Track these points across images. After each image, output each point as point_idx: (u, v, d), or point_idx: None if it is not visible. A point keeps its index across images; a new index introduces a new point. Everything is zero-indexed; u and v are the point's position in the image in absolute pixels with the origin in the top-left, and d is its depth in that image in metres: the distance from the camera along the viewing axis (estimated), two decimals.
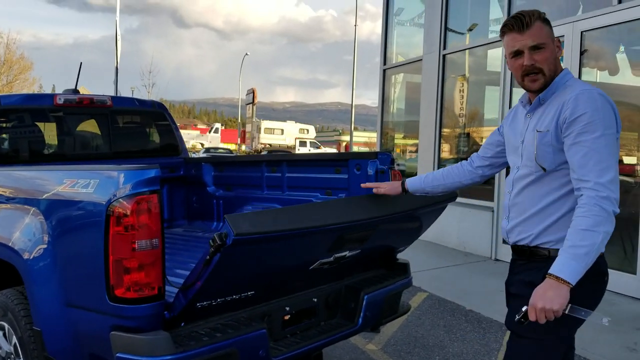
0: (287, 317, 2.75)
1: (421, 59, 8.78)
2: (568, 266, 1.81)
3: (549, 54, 2.03)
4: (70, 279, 2.42)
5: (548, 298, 1.80)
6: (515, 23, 2.03)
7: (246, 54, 58.07)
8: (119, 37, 29.15)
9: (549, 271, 1.83)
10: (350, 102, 31.72)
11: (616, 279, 5.42)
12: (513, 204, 2.15)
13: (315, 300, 2.89)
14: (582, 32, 5.93)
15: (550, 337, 1.99)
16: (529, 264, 1.94)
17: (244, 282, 2.41)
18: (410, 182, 2.67)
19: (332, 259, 2.64)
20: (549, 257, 1.98)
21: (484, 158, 2.49)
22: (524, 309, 1.86)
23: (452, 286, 5.86)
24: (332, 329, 2.89)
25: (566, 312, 1.80)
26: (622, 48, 6.13)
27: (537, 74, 2.04)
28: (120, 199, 2.17)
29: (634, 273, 5.27)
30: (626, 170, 5.92)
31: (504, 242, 6.82)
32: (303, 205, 2.52)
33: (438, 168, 8.30)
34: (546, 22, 2.05)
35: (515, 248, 2.17)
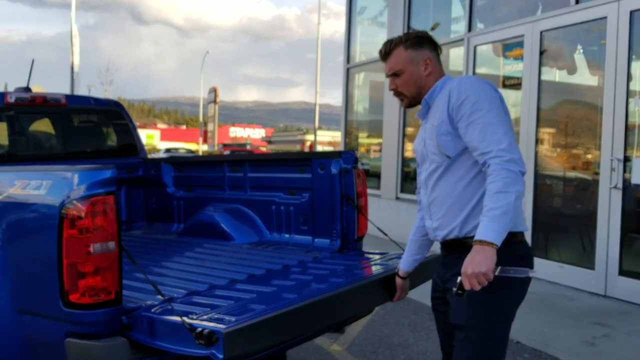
0: None
1: None
2: (489, 229, 1.88)
3: (407, 78, 2.20)
4: (22, 284, 2.31)
5: (476, 262, 1.86)
6: (380, 52, 2.26)
7: (207, 51, 57.42)
8: (74, 34, 28.45)
9: (474, 238, 1.91)
10: (314, 101, 31.76)
11: (575, 275, 5.55)
12: (431, 201, 2.20)
13: None
14: (541, 32, 6.03)
15: (493, 332, 2.06)
16: (463, 255, 1.94)
17: None
18: (403, 266, 2.53)
19: None
20: None
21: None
22: (458, 280, 1.92)
23: None
24: None
25: (496, 273, 1.87)
26: (580, 48, 6.26)
27: (401, 95, 2.24)
28: (74, 201, 2.08)
29: (592, 269, 5.39)
30: (584, 167, 6.06)
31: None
32: (309, 304, 2.24)
33: (402, 167, 8.36)
34: (411, 45, 2.19)
35: (446, 244, 2.19)
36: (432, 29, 8.32)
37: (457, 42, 7.50)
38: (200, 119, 57.97)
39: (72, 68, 28.03)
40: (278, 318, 2.06)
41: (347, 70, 9.99)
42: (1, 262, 2.34)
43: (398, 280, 2.53)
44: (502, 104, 2.06)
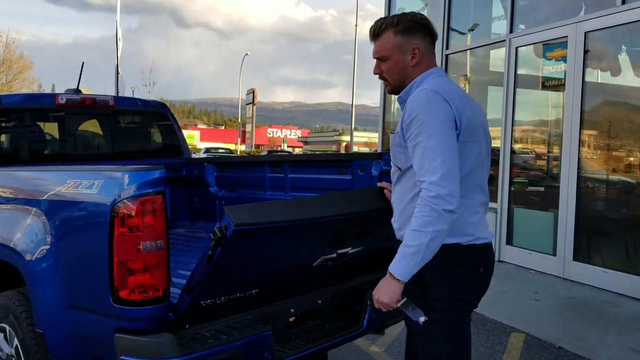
0: (291, 319, 2.72)
1: None
2: (399, 264, 1.93)
3: (391, 65, 2.10)
4: (73, 280, 2.39)
5: (382, 291, 1.97)
6: (370, 30, 2.16)
7: (246, 53, 58.04)
8: (119, 37, 29.14)
9: (388, 267, 1.96)
10: (351, 102, 31.71)
11: (619, 280, 5.41)
12: (392, 200, 2.23)
13: (320, 302, 2.86)
14: (585, 33, 5.91)
15: (431, 331, 2.04)
16: None
17: (248, 279, 2.38)
18: None
19: (335, 255, 2.62)
20: None
21: None
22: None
23: None
24: (336, 331, 2.86)
25: (398, 305, 1.97)
26: (624, 49, 6.10)
27: (385, 80, 2.18)
28: (125, 200, 2.15)
29: (638, 274, 5.25)
30: (628, 169, 5.91)
31: (507, 243, 6.83)
32: (303, 198, 2.51)
33: None
34: (401, 31, 2.07)
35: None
36: (471, 29, 8.23)
37: (497, 43, 7.40)
38: (239, 120, 58.63)
39: (117, 70, 28.75)
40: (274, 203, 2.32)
41: None
42: (53, 259, 2.43)
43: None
44: (458, 123, 1.94)
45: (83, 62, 4.72)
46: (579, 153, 5.95)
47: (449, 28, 8.30)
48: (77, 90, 4.34)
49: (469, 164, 1.99)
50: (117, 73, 28.60)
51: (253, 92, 54.70)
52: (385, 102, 10.07)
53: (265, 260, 2.39)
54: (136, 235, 2.13)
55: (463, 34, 8.33)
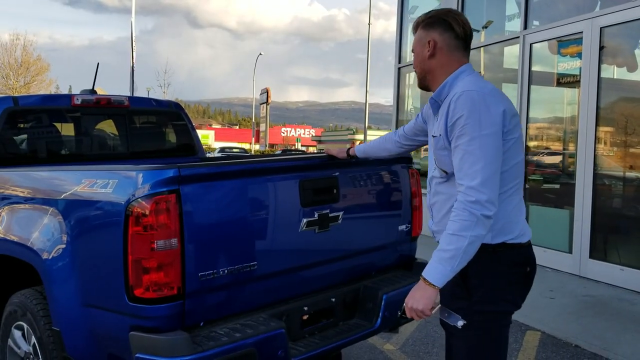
0: (305, 317, 2.73)
1: None
2: (434, 269, 1.89)
3: (414, 59, 2.17)
4: (89, 279, 2.42)
5: (415, 298, 1.92)
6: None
7: (260, 53, 58.17)
8: (134, 38, 29.37)
9: (422, 272, 1.93)
10: (364, 101, 31.67)
11: (637, 278, 5.35)
12: (432, 203, 2.19)
13: (334, 300, 2.87)
14: (601, 28, 5.84)
15: (471, 334, 2.00)
16: None
17: (233, 243, 2.39)
18: (356, 148, 2.86)
19: (316, 217, 2.68)
20: None
21: (405, 136, 2.64)
22: (403, 305, 1.98)
23: None
24: (350, 329, 2.87)
25: (433, 312, 1.92)
26: None
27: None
28: (139, 199, 2.17)
29: None
30: None
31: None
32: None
33: None
34: (424, 25, 2.11)
35: None
36: (485, 27, 8.18)
37: (512, 39, 7.35)
38: (253, 119, 58.83)
39: (132, 71, 28.98)
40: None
41: (398, 70, 9.93)
42: (69, 257, 2.47)
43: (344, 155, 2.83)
44: (504, 126, 1.92)
45: (98, 64, 4.76)
46: (594, 150, 5.89)
47: None
48: (93, 91, 4.38)
49: (515, 160, 1.98)
50: (132, 74, 28.89)
51: (267, 92, 54.79)
52: (398, 101, 10.05)
53: (239, 220, 2.42)
54: (150, 233, 2.15)
55: (477, 31, 8.27)
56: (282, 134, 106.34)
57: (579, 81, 6.12)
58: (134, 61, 28.93)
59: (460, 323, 1.94)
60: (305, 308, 2.71)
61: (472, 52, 7.07)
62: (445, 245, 1.88)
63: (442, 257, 1.87)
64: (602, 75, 5.96)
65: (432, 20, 2.09)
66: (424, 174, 8.64)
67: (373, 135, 58.89)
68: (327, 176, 2.83)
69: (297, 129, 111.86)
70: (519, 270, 2.02)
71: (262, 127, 56.51)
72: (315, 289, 2.81)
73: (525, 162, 6.58)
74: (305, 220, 2.66)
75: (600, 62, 5.87)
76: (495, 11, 8.18)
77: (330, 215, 2.79)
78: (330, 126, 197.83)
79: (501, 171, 1.92)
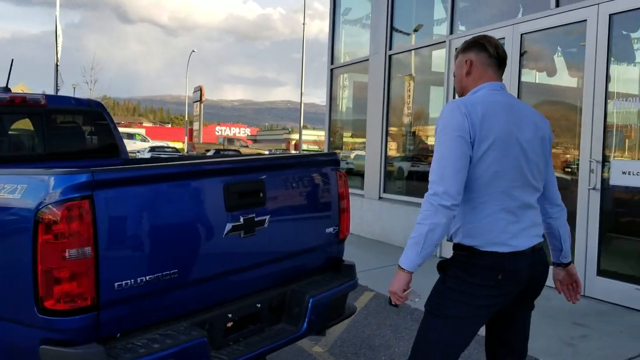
0: (229, 325, 2.68)
1: (368, 59, 8.83)
2: (404, 255, 2.14)
3: (455, 79, 2.41)
4: None
5: (392, 282, 2.15)
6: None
7: (193, 50, 57.17)
8: (59, 32, 28.13)
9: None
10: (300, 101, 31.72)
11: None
12: None
13: (259, 305, 2.83)
14: (521, 35, 6.08)
15: (436, 318, 2.23)
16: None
17: (152, 251, 2.31)
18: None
19: (242, 222, 2.64)
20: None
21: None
22: None
23: None
24: (276, 334, 2.84)
25: (406, 294, 2.13)
26: (559, 50, 6.33)
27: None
28: (50, 205, 2.05)
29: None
30: (563, 167, 6.13)
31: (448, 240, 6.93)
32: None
33: (385, 166, 8.39)
34: (462, 50, 2.37)
35: None
36: (416, 30, 8.35)
37: (439, 44, 7.53)
38: (186, 117, 57.69)
39: (56, 67, 27.73)
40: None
41: (331, 70, 9.99)
42: None
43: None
44: (471, 131, 2.09)
45: (12, 60, 4.51)
46: None
47: (392, 29, 8.39)
48: (7, 89, 4.14)
49: (490, 172, 2.12)
50: (57, 70, 27.65)
51: (200, 90, 53.95)
52: (331, 101, 10.11)
53: (161, 227, 2.35)
54: (61, 242, 2.04)
55: (408, 34, 8.44)
56: (216, 132, 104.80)
57: None
58: (58, 57, 27.73)
59: (417, 299, 2.18)
60: (230, 315, 2.65)
61: (404, 55, 7.18)
62: (412, 233, 2.11)
63: (409, 244, 2.11)
64: (524, 79, 6.21)
65: (468, 45, 2.34)
66: (357, 173, 8.71)
67: (309, 134, 59.11)
68: (253, 179, 2.79)
69: (232, 128, 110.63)
70: (489, 274, 2.15)
71: (196, 125, 55.57)
72: (241, 294, 2.77)
73: None
74: (230, 224, 2.61)
75: (521, 66, 6.12)
76: (425, 15, 8.37)
77: (256, 219, 2.75)
78: (266, 125, 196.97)
79: (474, 177, 2.11)
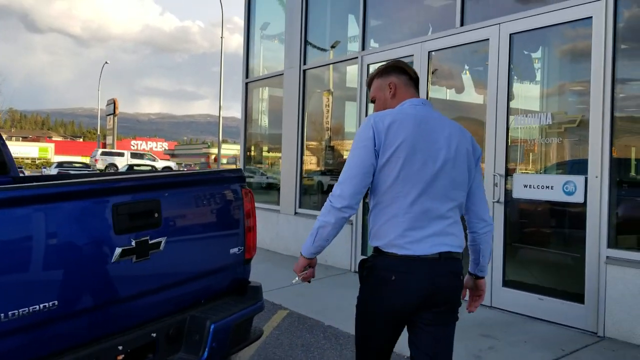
0: (120, 357, 2.47)
1: (282, 73, 8.77)
2: (304, 243, 2.37)
3: (377, 103, 2.52)
4: None
5: (295, 264, 2.43)
6: (366, 82, 2.64)
7: (106, 62, 55.22)
8: None
9: None
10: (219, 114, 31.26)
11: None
12: None
13: (155, 335, 2.64)
14: (429, 52, 6.23)
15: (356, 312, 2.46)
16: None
17: (26, 281, 2.09)
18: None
19: (133, 245, 2.47)
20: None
21: None
22: None
23: (313, 302, 5.83)
24: None
25: (303, 274, 2.42)
26: (466, 68, 6.54)
27: None
28: None
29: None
30: None
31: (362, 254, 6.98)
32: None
33: (300, 181, 8.32)
34: (380, 74, 2.51)
35: None
36: (333, 47, 8.39)
37: (352, 59, 7.59)
38: (98, 131, 55.44)
39: None
40: None
41: (246, 84, 9.86)
42: None
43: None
44: (376, 141, 2.22)
45: None
46: None
47: (306, 44, 8.39)
48: None
49: (392, 177, 2.22)
50: None
51: (114, 102, 52.01)
52: (246, 115, 9.96)
53: (38, 253, 2.14)
54: None
55: (322, 49, 8.47)
56: (132, 147, 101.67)
57: None
58: None
59: (292, 281, 2.47)
60: (120, 347, 2.45)
61: (321, 70, 7.16)
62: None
63: (308, 234, 2.33)
64: (433, 95, 6.36)
65: (387, 69, 2.49)
66: (277, 188, 8.50)
67: (228, 149, 58.38)
68: (147, 199, 2.61)
69: (149, 142, 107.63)
70: (385, 275, 2.24)
71: (109, 139, 53.46)
72: (134, 324, 2.57)
73: None
74: (119, 249, 2.42)
75: (428, 83, 6.26)
76: (338, 31, 8.43)
77: (150, 242, 2.57)
78: (185, 139, 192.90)
79: (380, 182, 2.24)
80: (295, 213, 8.29)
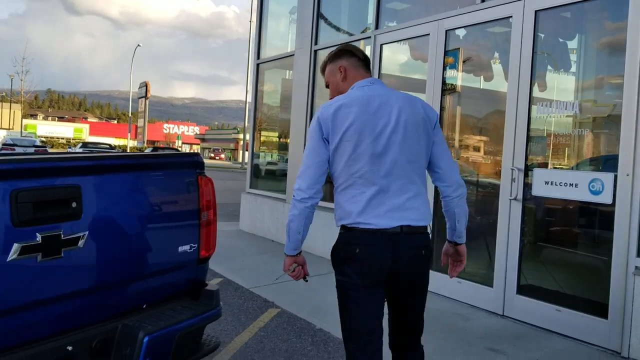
0: None
1: (293, 54, 8.28)
2: None
3: (331, 87, 2.56)
4: None
5: None
6: (320, 69, 2.67)
7: (138, 45, 55.44)
8: None
9: None
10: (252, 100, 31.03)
11: (473, 291, 5.17)
12: None
13: (71, 348, 2.20)
14: (446, 31, 5.64)
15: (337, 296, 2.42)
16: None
17: None
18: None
19: (39, 240, 2.03)
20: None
21: None
22: None
23: (309, 300, 5.36)
24: None
25: (291, 272, 2.51)
26: (487, 49, 5.92)
27: None
28: None
29: (491, 285, 5.02)
30: (486, 175, 5.72)
31: None
32: None
33: None
34: (331, 60, 2.55)
35: None
36: (342, 26, 7.86)
37: (365, 39, 7.04)
38: (129, 114, 55.85)
39: None
40: None
41: (257, 66, 9.40)
42: None
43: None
44: (324, 132, 2.31)
45: None
46: None
47: (318, 24, 7.88)
48: None
49: (344, 158, 2.29)
50: None
51: (146, 86, 52.08)
52: (257, 98, 9.54)
53: None
54: None
55: (334, 29, 7.94)
56: (164, 130, 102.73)
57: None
58: None
59: (275, 279, 2.51)
60: None
61: (329, 50, 6.68)
62: None
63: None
64: (449, 80, 5.78)
65: (336, 54, 2.54)
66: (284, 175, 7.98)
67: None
68: (61, 185, 2.15)
69: (181, 126, 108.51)
70: (348, 250, 2.30)
71: (141, 122, 53.80)
72: (41, 336, 2.13)
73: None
74: (17, 245, 1.97)
75: (445, 65, 5.67)
76: (351, 10, 7.92)
77: (64, 237, 2.12)
78: (216, 124, 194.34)
79: (335, 166, 2.32)
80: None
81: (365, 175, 2.27)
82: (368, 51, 6.74)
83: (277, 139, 9.70)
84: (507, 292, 4.87)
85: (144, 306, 2.56)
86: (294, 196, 2.32)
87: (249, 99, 9.61)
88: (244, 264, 6.79)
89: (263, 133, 9.92)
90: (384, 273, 2.27)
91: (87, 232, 2.20)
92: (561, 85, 5.26)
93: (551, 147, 5.00)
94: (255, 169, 9.61)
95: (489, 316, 4.94)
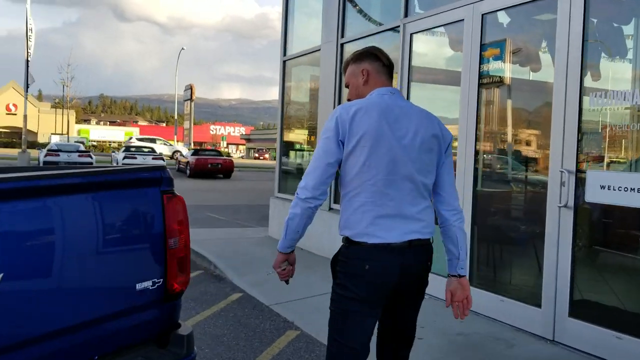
0: None
1: (319, 49, 7.75)
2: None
3: (350, 89, 2.49)
4: None
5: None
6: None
7: (183, 48, 56.14)
8: (30, 28, 27.13)
9: None
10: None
11: (517, 312, 4.52)
12: None
13: None
14: (482, 15, 4.98)
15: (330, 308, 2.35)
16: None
17: None
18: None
19: None
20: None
21: None
22: None
23: None
24: None
25: (280, 270, 2.45)
26: (530, 35, 5.22)
27: None
28: None
29: (539, 306, 4.33)
30: (530, 180, 5.05)
31: None
32: None
33: (337, 174, 7.29)
34: (354, 61, 2.48)
35: None
36: (369, 16, 7.27)
37: (393, 29, 6.43)
38: (175, 116, 56.61)
39: (26, 64, 26.76)
40: None
41: (284, 63, 8.91)
42: None
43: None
44: (340, 132, 2.23)
45: None
46: (475, 156, 5.04)
47: (344, 16, 7.33)
48: None
49: (358, 165, 2.23)
50: (27, 67, 26.67)
51: (191, 88, 52.83)
52: (284, 94, 9.09)
53: None
54: None
55: (369, 18, 7.36)
56: (211, 131, 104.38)
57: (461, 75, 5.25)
58: (30, 52, 26.72)
59: (267, 274, 2.20)
60: None
61: (359, 43, 6.07)
62: None
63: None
64: (491, 72, 5.12)
65: (361, 55, 2.47)
66: None
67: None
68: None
69: (227, 127, 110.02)
70: (356, 265, 2.24)
71: (187, 124, 54.42)
72: None
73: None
74: None
75: (482, 52, 5.02)
76: (377, 2, 7.33)
77: None
78: (261, 124, 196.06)
79: (347, 171, 2.26)
80: (330, 209, 7.27)
81: (377, 184, 2.23)
82: (399, 40, 6.14)
83: (307, 138, 9.21)
84: (558, 314, 4.18)
85: (96, 358, 2.08)
86: (297, 194, 2.26)
87: (278, 97, 9.15)
88: (268, 276, 6.31)
89: (292, 133, 9.45)
90: (390, 288, 2.26)
91: (1, 275, 1.73)
92: (616, 71, 4.54)
93: (607, 144, 4.29)
94: (285, 171, 9.15)
95: (536, 341, 4.26)
